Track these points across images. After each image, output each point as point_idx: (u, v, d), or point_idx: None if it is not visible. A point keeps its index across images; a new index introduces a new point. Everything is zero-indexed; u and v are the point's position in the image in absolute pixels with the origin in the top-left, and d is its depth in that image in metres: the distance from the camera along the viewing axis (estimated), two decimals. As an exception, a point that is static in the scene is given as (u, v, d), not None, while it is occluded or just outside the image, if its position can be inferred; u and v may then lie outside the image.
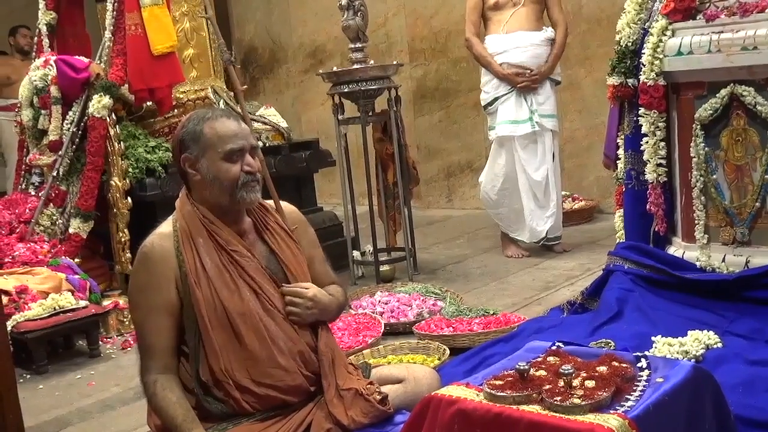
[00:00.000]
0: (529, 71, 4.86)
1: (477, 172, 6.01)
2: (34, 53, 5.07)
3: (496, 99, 4.95)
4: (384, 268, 4.77)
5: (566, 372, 1.87)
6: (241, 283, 2.23)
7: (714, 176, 3.23)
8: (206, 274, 2.20)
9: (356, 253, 4.94)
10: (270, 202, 2.47)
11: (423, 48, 7.17)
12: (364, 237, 5.08)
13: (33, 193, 4.70)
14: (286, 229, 2.40)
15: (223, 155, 2.22)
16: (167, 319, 2.20)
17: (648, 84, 3.32)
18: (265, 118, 5.32)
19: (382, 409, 2.25)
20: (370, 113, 4.79)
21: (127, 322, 4.20)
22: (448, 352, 3.29)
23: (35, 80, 4.56)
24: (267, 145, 5.08)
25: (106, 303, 4.13)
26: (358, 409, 2.23)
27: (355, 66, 4.67)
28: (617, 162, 3.63)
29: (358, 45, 4.71)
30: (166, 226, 2.28)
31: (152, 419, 2.29)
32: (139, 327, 2.25)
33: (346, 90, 4.66)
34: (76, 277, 4.04)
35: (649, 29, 3.35)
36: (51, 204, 4.45)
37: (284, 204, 2.50)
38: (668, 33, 3.28)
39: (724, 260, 3.22)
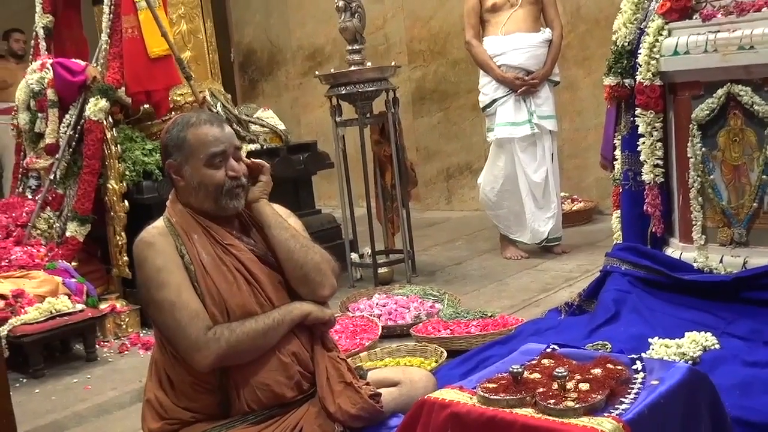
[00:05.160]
0: (524, 73, 4.85)
1: (476, 173, 6.00)
2: (31, 56, 5.06)
3: (494, 101, 4.94)
4: (382, 270, 4.77)
5: (560, 375, 1.86)
6: (238, 275, 2.24)
7: (711, 177, 3.22)
8: (204, 267, 2.21)
9: (354, 256, 4.94)
10: None
11: (421, 49, 7.16)
12: (363, 239, 5.06)
13: (30, 196, 4.70)
14: None
15: (205, 161, 2.24)
16: (194, 292, 2.18)
17: (644, 84, 3.31)
18: (263, 120, 5.31)
19: (371, 403, 2.24)
20: (368, 115, 4.78)
21: (124, 326, 4.19)
22: (445, 354, 3.28)
23: (32, 83, 4.56)
24: (265, 147, 5.07)
25: (103, 306, 4.12)
26: (346, 399, 2.22)
27: (353, 68, 4.67)
28: (614, 163, 3.61)
29: (356, 47, 4.71)
30: (158, 223, 2.29)
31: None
32: (175, 300, 2.15)
33: (343, 92, 4.66)
34: (73, 280, 4.03)
35: (646, 29, 3.35)
36: (48, 207, 4.44)
37: None
38: (664, 33, 3.27)
39: (721, 261, 3.21)
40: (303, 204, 5.19)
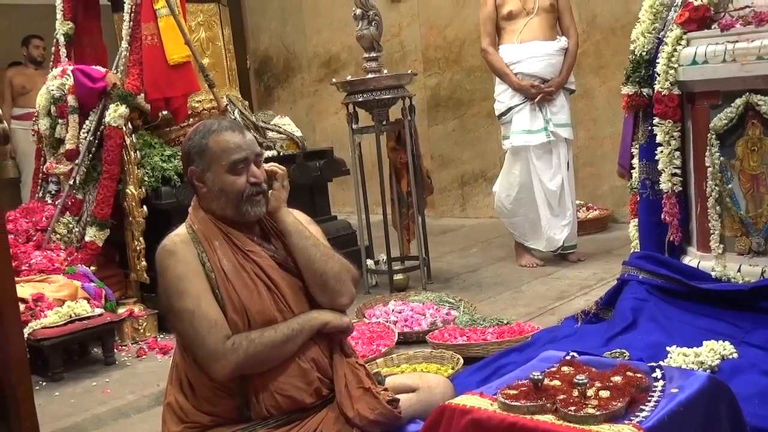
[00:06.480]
0: (540, 81, 4.87)
1: (491, 181, 6.01)
2: (51, 63, 5.12)
3: (510, 109, 4.96)
4: (398, 277, 4.78)
5: (581, 382, 1.87)
6: (259, 282, 2.26)
7: (729, 186, 3.22)
8: (225, 274, 2.23)
9: (370, 262, 4.95)
10: None
11: (437, 57, 7.18)
12: (378, 246, 5.08)
13: (50, 201, 4.73)
14: None
15: (227, 168, 2.26)
16: (215, 301, 2.20)
17: (663, 93, 3.32)
18: (279, 127, 5.34)
19: (389, 408, 2.25)
20: (384, 122, 4.80)
21: (141, 330, 4.22)
22: (461, 361, 3.29)
23: (53, 89, 4.60)
24: (281, 154, 5.10)
25: (122, 311, 4.15)
26: (365, 404, 2.23)
27: (370, 75, 4.69)
28: (632, 171, 3.62)
29: (373, 54, 4.73)
30: (180, 230, 2.32)
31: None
32: (195, 309, 2.17)
33: (360, 99, 4.68)
34: (92, 284, 4.06)
35: (664, 39, 3.36)
36: (67, 212, 4.48)
37: None
38: (683, 42, 3.29)
39: (739, 270, 3.21)
40: (319, 210, 5.21)
